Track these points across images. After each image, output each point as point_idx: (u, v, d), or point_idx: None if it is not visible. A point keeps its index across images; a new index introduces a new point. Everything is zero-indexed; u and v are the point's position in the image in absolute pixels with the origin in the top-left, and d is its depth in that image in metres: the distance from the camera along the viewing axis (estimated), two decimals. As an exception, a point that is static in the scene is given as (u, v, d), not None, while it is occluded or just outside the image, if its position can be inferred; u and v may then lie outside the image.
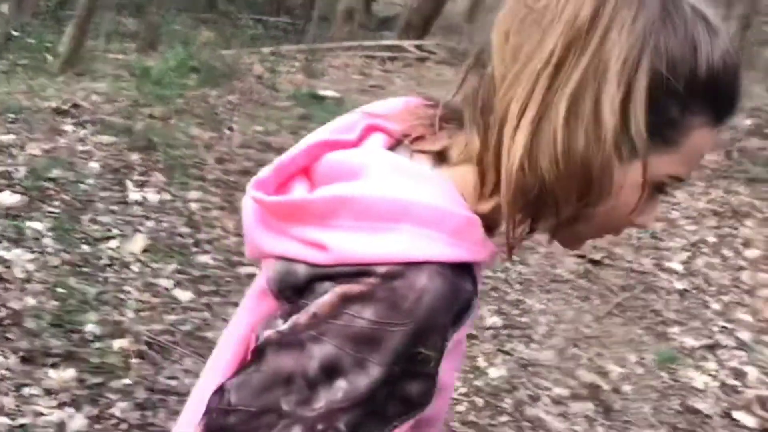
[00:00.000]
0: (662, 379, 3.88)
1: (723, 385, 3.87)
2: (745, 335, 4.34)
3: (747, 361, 4.09)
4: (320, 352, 0.83)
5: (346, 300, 0.83)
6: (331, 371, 0.83)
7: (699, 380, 3.90)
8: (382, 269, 0.82)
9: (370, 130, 0.98)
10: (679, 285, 4.90)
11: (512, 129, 0.85)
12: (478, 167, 0.90)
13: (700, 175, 6.50)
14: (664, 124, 0.87)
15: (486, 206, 0.90)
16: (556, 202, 0.87)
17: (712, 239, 5.58)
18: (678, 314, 4.56)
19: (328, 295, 0.83)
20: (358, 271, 0.83)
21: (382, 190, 0.86)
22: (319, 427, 0.83)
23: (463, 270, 0.86)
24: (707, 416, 3.64)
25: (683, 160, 0.90)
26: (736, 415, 3.64)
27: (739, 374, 3.96)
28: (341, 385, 0.83)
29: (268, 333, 0.86)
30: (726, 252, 5.22)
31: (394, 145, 0.96)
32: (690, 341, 4.26)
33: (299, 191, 0.92)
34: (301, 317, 0.84)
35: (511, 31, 0.87)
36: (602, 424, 3.49)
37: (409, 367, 0.84)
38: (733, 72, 0.88)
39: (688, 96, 0.87)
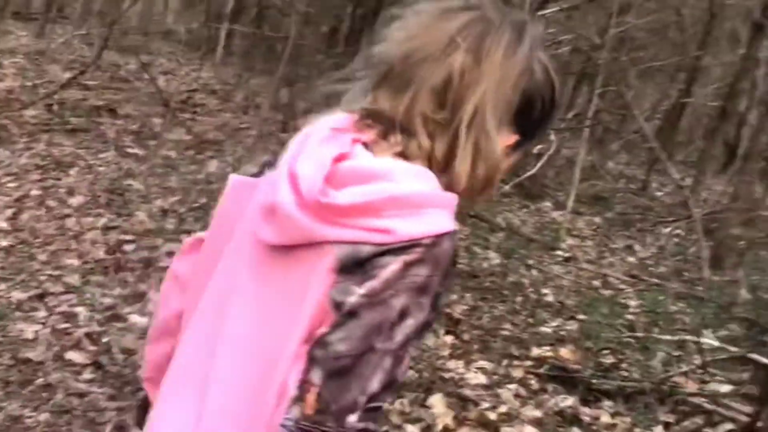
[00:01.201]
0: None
1: (54, 330, 4.01)
2: (73, 279, 4.57)
3: (76, 303, 4.31)
4: (397, 303, 1.24)
5: (409, 265, 1.24)
6: (403, 315, 1.24)
7: (29, 331, 4.01)
8: (426, 241, 1.25)
9: (354, 142, 1.32)
10: (5, 242, 5.01)
11: (463, 142, 1.31)
12: (428, 161, 1.32)
13: (21, 131, 6.85)
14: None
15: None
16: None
17: (36, 192, 5.86)
18: (4, 271, 4.63)
19: (394, 264, 1.23)
20: (411, 245, 1.24)
21: (411, 187, 1.27)
22: (400, 352, 1.25)
23: None
24: (39, 362, 3.75)
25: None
26: (69, 355, 3.83)
27: (69, 317, 4.16)
28: (409, 323, 1.25)
29: (353, 299, 1.24)
30: (51, 203, 5.48)
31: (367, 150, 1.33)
32: (18, 295, 4.35)
33: (346, 194, 1.26)
34: (375, 283, 1.24)
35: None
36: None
37: (434, 302, 1.28)
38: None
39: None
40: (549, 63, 1.37)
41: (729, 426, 4.43)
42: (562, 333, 5.63)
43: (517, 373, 4.88)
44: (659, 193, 11.65)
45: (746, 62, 10.45)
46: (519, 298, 6.27)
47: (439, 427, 4.05)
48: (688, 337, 5.52)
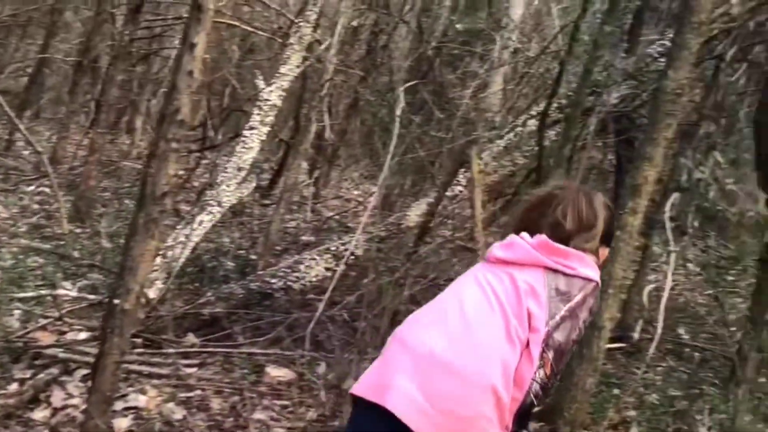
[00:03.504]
0: None
1: None
2: None
3: None
4: (582, 316, 2.39)
5: (586, 296, 2.39)
6: (584, 322, 2.40)
7: None
8: (593, 282, 2.42)
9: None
10: None
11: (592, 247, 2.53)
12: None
13: None
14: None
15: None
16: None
17: None
18: None
19: (580, 295, 2.38)
20: (585, 283, 2.40)
21: (586, 255, 2.46)
22: (579, 336, 2.45)
23: None
24: None
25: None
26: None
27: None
28: (584, 326, 2.42)
29: (562, 312, 2.34)
30: None
31: None
32: None
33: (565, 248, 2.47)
34: (572, 304, 2.35)
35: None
36: None
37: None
38: None
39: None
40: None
41: (84, 371, 4.54)
42: None
43: None
44: (26, 152, 11.36)
45: (100, 17, 10.66)
46: None
47: None
48: (45, 291, 5.52)
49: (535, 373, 2.28)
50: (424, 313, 2.44)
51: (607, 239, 2.55)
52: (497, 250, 2.48)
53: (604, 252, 2.56)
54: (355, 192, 12.24)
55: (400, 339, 2.37)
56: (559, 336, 2.32)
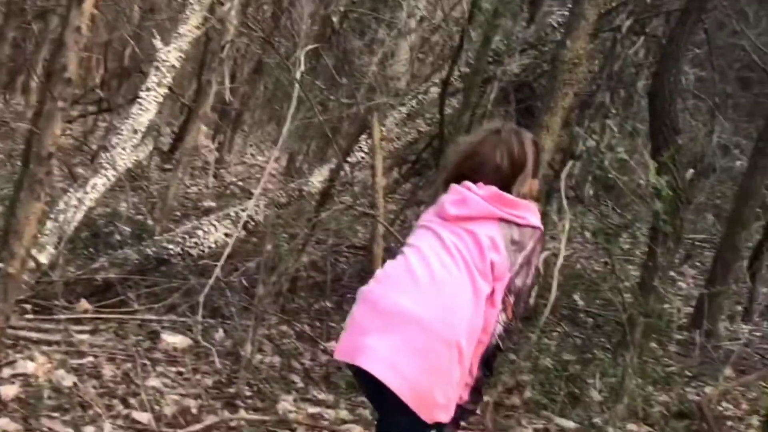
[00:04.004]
0: None
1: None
2: None
3: None
4: (534, 261, 2.61)
5: (536, 243, 2.60)
6: (536, 268, 2.69)
7: None
8: (539, 230, 2.61)
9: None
10: None
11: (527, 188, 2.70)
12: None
13: None
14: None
15: None
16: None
17: None
18: None
19: (531, 243, 2.56)
20: (535, 229, 2.58)
21: (532, 204, 2.65)
22: (534, 280, 2.80)
23: None
24: None
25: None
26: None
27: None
28: (536, 270, 2.77)
29: (519, 260, 2.53)
30: None
31: None
32: None
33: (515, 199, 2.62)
34: (526, 252, 2.54)
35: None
36: None
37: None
38: None
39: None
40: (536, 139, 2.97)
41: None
42: None
43: None
44: None
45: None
46: None
47: None
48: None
49: (497, 316, 2.51)
50: (390, 272, 2.56)
51: (535, 173, 2.69)
52: (451, 207, 2.57)
53: (534, 184, 2.68)
54: (260, 158, 12.11)
55: (368, 299, 2.52)
56: (518, 281, 2.55)
